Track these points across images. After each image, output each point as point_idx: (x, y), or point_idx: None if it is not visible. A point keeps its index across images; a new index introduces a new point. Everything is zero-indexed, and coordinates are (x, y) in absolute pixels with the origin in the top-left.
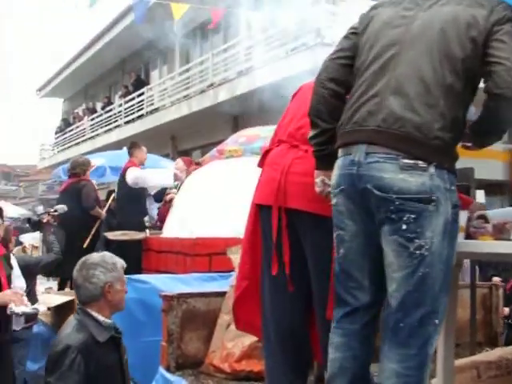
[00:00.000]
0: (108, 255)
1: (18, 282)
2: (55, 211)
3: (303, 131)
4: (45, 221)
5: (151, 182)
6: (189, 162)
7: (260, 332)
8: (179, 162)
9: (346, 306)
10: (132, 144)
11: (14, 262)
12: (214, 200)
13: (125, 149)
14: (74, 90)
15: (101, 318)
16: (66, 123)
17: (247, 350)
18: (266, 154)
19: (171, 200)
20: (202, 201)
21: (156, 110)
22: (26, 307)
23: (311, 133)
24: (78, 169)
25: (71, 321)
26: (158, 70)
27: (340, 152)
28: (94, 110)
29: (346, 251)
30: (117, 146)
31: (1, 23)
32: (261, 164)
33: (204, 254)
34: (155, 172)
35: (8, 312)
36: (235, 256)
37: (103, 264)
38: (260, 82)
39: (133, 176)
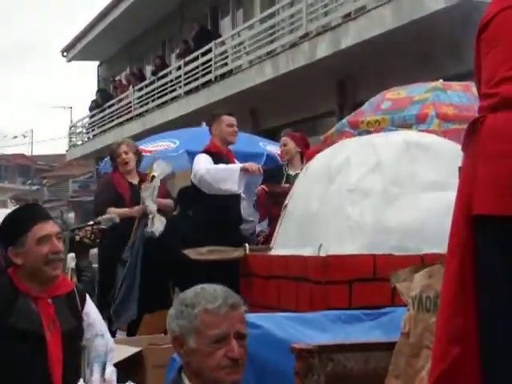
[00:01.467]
0: (194, 291)
1: (99, 341)
2: (97, 223)
3: None
4: (78, 238)
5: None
6: (301, 140)
7: None
8: (287, 141)
9: None
10: (209, 117)
11: (90, 308)
12: (352, 199)
13: (204, 125)
14: (113, 49)
15: None
16: (105, 96)
17: None
18: (473, 126)
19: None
20: (334, 200)
21: (229, 73)
22: None
23: None
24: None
25: None
26: (230, 16)
27: None
28: (142, 77)
29: None
30: (175, 125)
31: None
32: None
33: (341, 281)
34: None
35: None
36: (405, 285)
37: (176, 305)
38: (376, 30)
39: (196, 174)
